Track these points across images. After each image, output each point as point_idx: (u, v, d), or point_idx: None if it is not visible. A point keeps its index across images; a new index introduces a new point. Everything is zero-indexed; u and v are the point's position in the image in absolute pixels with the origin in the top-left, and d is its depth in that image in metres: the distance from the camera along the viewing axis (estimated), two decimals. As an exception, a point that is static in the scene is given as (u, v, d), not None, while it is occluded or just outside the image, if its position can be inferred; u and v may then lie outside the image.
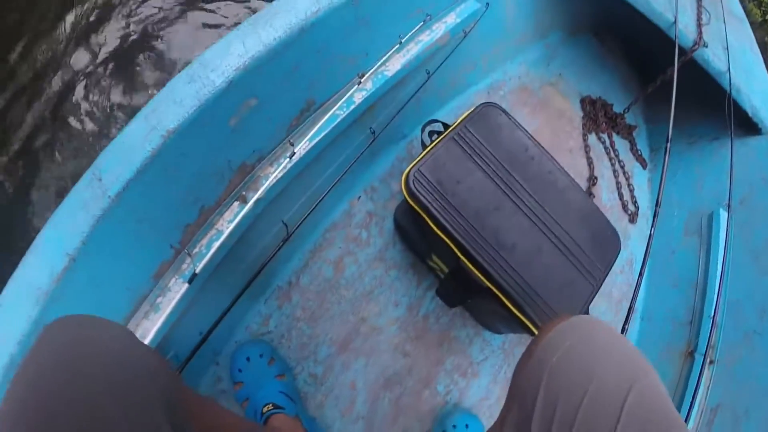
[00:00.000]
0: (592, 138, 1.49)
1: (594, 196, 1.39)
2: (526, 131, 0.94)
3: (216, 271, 0.75)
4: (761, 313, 1.07)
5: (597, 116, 1.51)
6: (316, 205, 0.78)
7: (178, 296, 0.69)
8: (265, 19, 0.70)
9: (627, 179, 1.49)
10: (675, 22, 1.28)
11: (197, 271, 0.69)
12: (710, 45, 1.32)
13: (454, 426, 0.99)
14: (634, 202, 1.46)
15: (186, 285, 0.69)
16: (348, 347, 1.00)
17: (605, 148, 1.50)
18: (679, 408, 1.00)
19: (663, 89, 1.48)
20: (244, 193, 0.79)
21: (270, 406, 0.89)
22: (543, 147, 0.94)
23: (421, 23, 1.02)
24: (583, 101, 1.54)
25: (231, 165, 0.76)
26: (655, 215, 1.16)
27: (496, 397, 1.06)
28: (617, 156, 1.50)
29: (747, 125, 1.37)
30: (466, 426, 0.99)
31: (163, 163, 0.61)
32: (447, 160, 0.85)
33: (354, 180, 1.13)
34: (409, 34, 0.99)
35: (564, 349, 0.48)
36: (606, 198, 1.42)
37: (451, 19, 1.10)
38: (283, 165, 0.79)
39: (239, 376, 0.93)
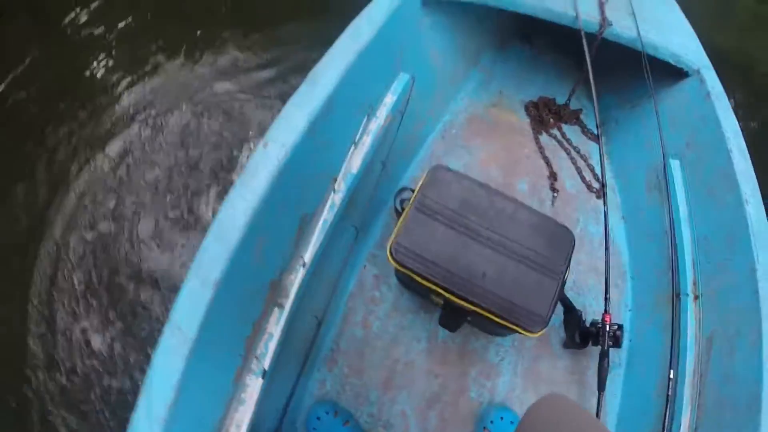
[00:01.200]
0: (544, 137, 1.70)
1: (558, 191, 1.60)
2: (469, 178, 1.16)
3: (277, 361, 1.01)
4: (728, 241, 1.21)
5: (542, 116, 1.72)
6: (334, 291, 1.04)
7: (256, 389, 0.94)
8: (250, 174, 0.95)
9: (585, 161, 1.68)
10: (576, 16, 1.41)
11: (265, 367, 0.95)
12: (615, 19, 1.44)
13: (492, 421, 1.22)
14: (597, 179, 1.65)
15: (260, 380, 0.96)
16: (391, 385, 1.25)
17: (558, 141, 1.70)
18: (678, 345, 1.17)
19: (596, 67, 1.67)
20: (279, 300, 1.05)
21: (344, 448, 1.15)
22: (487, 186, 1.16)
23: (365, 117, 1.26)
24: (527, 107, 1.75)
25: (263, 285, 1.03)
26: (603, 186, 1.35)
27: (521, 387, 1.29)
28: (570, 143, 1.71)
29: (674, 73, 1.49)
30: (501, 418, 1.23)
31: (218, 302, 0.86)
32: (415, 227, 1.08)
33: (357, 255, 1.38)
34: (360, 131, 1.24)
35: None
36: (570, 185, 1.63)
37: (390, 100, 1.34)
38: (299, 272, 1.06)
39: None
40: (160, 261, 1.79)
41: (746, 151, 1.28)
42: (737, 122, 1.36)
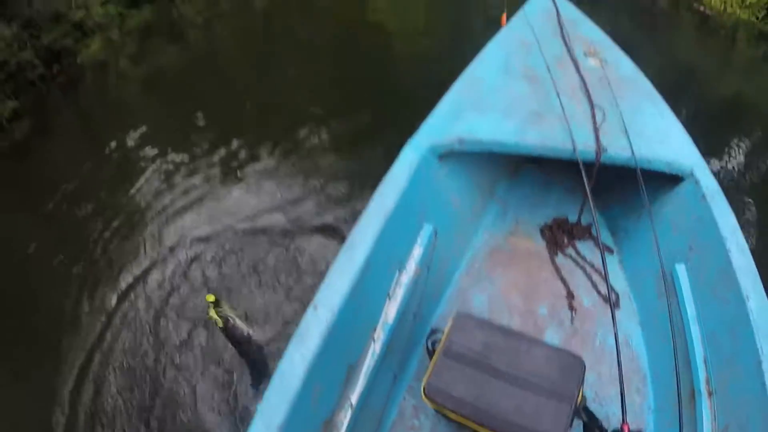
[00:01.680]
0: (560, 258, 1.95)
1: (576, 309, 1.81)
2: (489, 323, 1.40)
3: None
4: (732, 334, 1.33)
5: (556, 238, 1.98)
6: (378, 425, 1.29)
7: None
8: (304, 334, 1.21)
9: (600, 274, 1.89)
10: (574, 149, 1.60)
11: None
12: (610, 141, 1.63)
13: None
14: (613, 292, 1.85)
15: None
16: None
17: (573, 259, 1.94)
18: None
19: (600, 181, 1.78)
20: None
21: None
22: (505, 328, 1.39)
23: (397, 272, 1.56)
24: (542, 231, 2.01)
25: (318, 425, 1.26)
26: (612, 305, 1.51)
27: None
28: (585, 260, 1.93)
29: (671, 179, 1.66)
30: None
31: None
32: (444, 370, 1.32)
33: (397, 389, 1.64)
34: (393, 285, 1.53)
35: None
36: (587, 302, 1.83)
37: (417, 252, 1.63)
38: (348, 412, 1.31)
39: None
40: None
41: (745, 247, 1.40)
42: (734, 218, 1.49)
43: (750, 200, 3.13)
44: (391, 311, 1.50)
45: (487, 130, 1.76)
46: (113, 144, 3.99)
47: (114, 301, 2.55)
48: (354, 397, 1.34)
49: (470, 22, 5.34)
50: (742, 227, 1.50)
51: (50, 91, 5.15)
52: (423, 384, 1.32)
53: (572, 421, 1.26)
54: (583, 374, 1.31)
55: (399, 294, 1.53)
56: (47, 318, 2.56)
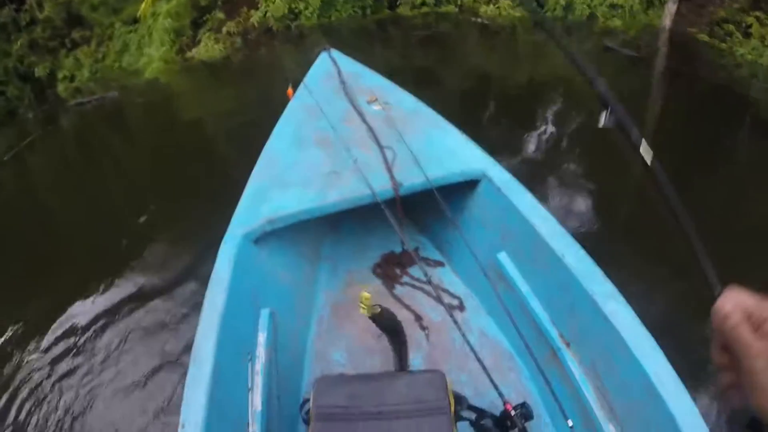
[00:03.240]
0: (399, 288, 2.04)
1: (427, 328, 1.90)
2: (345, 376, 1.44)
3: None
4: (564, 290, 1.45)
5: (388, 272, 2.07)
6: None
7: None
8: None
9: (441, 287, 2.01)
10: (372, 193, 1.70)
11: None
12: (404, 175, 1.77)
13: None
14: (455, 297, 1.97)
15: None
16: None
17: (410, 285, 2.04)
18: (575, 386, 1.40)
19: (415, 208, 1.97)
20: None
21: None
22: (362, 374, 1.44)
23: (249, 363, 1.51)
24: (374, 271, 2.09)
25: None
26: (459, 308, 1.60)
27: None
28: (421, 281, 2.05)
29: (471, 184, 1.82)
30: None
31: None
32: None
33: None
34: (249, 379, 1.47)
35: None
36: (436, 316, 1.92)
37: (262, 338, 1.58)
38: None
39: None
40: None
41: (548, 215, 1.58)
42: (531, 196, 1.67)
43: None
44: (256, 401, 1.46)
45: (290, 204, 1.82)
46: None
47: None
48: None
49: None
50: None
51: None
52: None
53: (456, 425, 1.29)
54: (446, 382, 1.36)
55: (258, 383, 1.50)
56: None
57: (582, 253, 1.49)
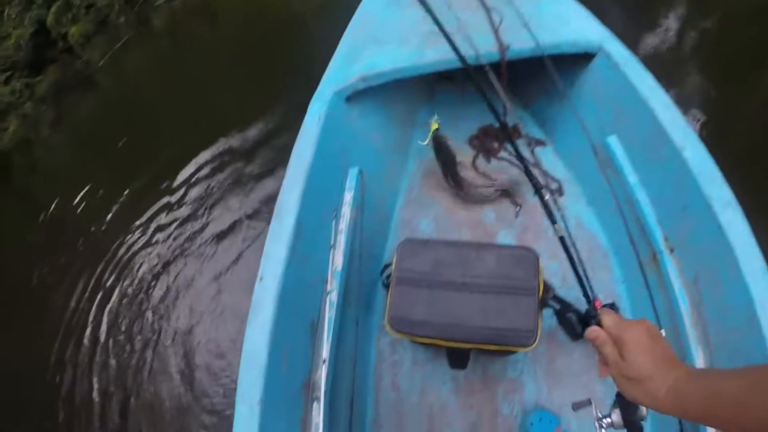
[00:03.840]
0: (494, 163, 1.90)
1: (520, 206, 1.78)
2: (433, 241, 1.36)
3: None
4: (677, 188, 1.30)
5: (485, 145, 1.93)
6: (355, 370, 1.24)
7: None
8: (257, 307, 1.16)
9: (539, 167, 1.86)
10: (476, 54, 1.47)
11: None
12: (512, 38, 1.59)
13: (531, 424, 1.38)
14: (554, 180, 1.82)
15: None
16: (434, 430, 1.45)
17: (510, 162, 1.90)
18: (671, 298, 1.27)
19: (517, 79, 1.75)
20: (315, 395, 1.25)
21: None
22: (450, 241, 1.36)
23: (333, 221, 1.52)
24: (470, 142, 1.97)
25: (297, 389, 1.24)
26: (537, 190, 1.50)
27: (547, 389, 1.44)
28: (519, 157, 1.89)
29: (583, 57, 1.63)
30: (540, 419, 1.39)
31: (266, 418, 1.04)
32: (400, 298, 1.27)
33: (369, 331, 1.61)
34: (333, 235, 1.47)
35: None
36: (530, 197, 1.79)
37: (348, 197, 1.58)
38: (323, 368, 1.26)
39: None
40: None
41: (670, 102, 1.38)
42: (652, 77, 1.46)
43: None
44: (337, 260, 1.45)
45: (385, 61, 1.71)
46: (55, 210, 3.87)
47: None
48: (325, 352, 1.29)
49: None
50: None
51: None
52: (385, 318, 1.27)
53: (541, 311, 1.22)
54: (538, 263, 1.27)
55: (341, 241, 1.48)
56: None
57: (703, 150, 1.27)
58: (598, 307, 1.38)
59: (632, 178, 1.47)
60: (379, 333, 1.62)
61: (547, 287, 1.33)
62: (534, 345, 1.18)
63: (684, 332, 1.21)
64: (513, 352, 1.46)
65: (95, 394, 2.34)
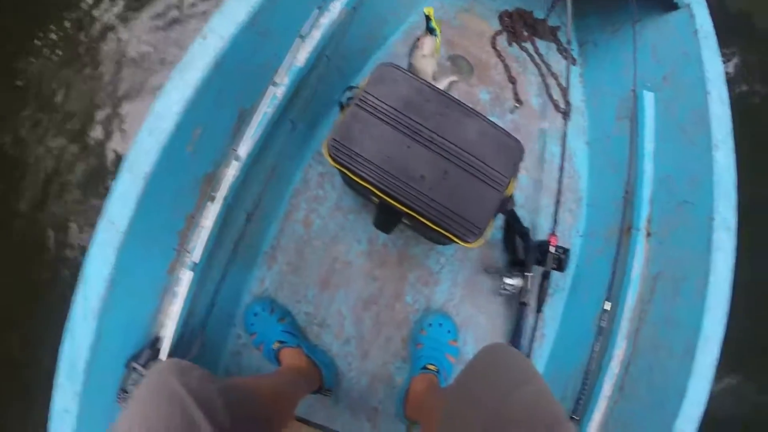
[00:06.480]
0: (515, 49, 1.60)
1: (522, 103, 1.53)
2: (420, 79, 1.06)
3: (210, 257, 1.00)
4: (691, 182, 1.16)
5: (515, 27, 1.61)
6: (266, 187, 0.99)
7: (187, 282, 0.94)
8: (187, 65, 0.88)
9: (556, 79, 1.60)
10: None
11: (195, 260, 0.94)
12: None
13: (430, 324, 1.22)
14: (567, 101, 1.57)
15: (190, 273, 0.94)
16: (329, 284, 1.24)
17: (529, 54, 1.61)
18: (621, 279, 1.15)
19: None
20: (213, 194, 1.01)
21: (277, 344, 1.15)
22: (438, 89, 1.07)
23: (317, 9, 1.15)
24: (501, 17, 1.63)
25: (198, 177, 0.98)
26: (565, 114, 1.30)
27: (459, 298, 1.29)
28: (542, 59, 1.62)
29: (664, 2, 1.39)
30: (440, 324, 1.23)
31: (150, 196, 0.82)
32: (354, 124, 0.99)
33: (304, 152, 1.33)
34: (309, 24, 1.13)
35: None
36: (535, 101, 1.56)
37: None
38: (234, 166, 1.00)
39: (252, 329, 1.19)
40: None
41: (726, 97, 1.20)
42: (722, 65, 1.25)
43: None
44: (302, 54, 1.13)
45: None
46: None
47: None
48: (243, 150, 1.04)
49: None
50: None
51: None
52: (326, 139, 0.99)
53: (496, 214, 1.02)
54: (520, 161, 1.04)
55: (315, 36, 1.15)
56: None
57: (732, 162, 1.11)
58: (553, 244, 1.22)
59: (649, 143, 1.29)
60: (312, 159, 1.35)
61: (510, 196, 1.11)
62: (472, 245, 0.98)
63: (617, 318, 1.11)
64: (445, 243, 1.26)
65: None
